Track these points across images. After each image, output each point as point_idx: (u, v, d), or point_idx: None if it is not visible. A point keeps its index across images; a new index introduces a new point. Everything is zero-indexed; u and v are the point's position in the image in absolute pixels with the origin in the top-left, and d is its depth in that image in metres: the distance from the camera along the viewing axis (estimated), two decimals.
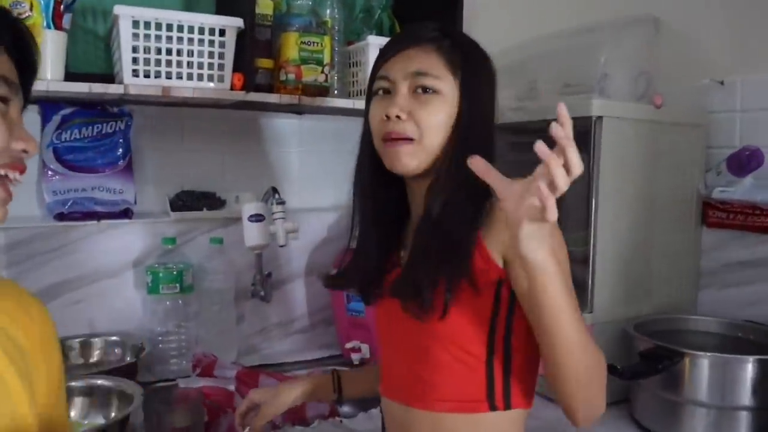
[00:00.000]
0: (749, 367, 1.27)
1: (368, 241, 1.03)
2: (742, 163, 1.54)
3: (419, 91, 0.93)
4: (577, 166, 0.69)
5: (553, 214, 0.70)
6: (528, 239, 0.74)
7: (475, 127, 0.94)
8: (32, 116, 1.64)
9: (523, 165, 1.81)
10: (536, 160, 0.72)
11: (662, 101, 1.55)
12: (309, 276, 1.98)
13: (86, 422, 1.30)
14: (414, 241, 0.96)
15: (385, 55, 0.99)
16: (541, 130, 1.58)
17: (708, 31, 1.68)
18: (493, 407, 0.92)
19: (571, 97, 1.53)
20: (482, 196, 0.91)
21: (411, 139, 0.93)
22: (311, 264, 1.99)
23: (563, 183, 0.69)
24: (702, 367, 1.30)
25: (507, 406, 0.93)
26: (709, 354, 1.30)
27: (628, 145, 1.51)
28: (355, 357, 1.82)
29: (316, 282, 1.98)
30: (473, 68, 0.96)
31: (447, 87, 0.93)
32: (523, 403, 0.95)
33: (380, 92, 0.97)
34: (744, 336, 1.48)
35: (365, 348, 1.82)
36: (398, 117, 0.93)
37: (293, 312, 1.98)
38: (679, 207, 1.64)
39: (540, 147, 0.70)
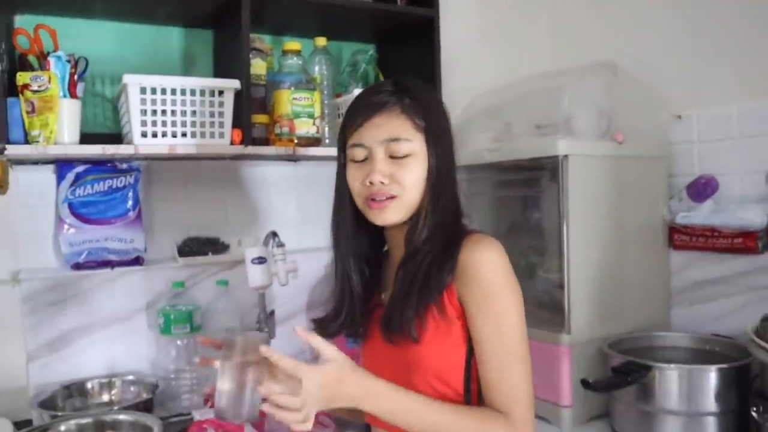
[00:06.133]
0: (712, 376, 1.41)
1: (353, 286, 1.14)
2: (699, 190, 1.69)
3: (395, 155, 1.04)
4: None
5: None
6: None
7: (444, 173, 1.07)
8: (48, 175, 1.80)
9: (507, 200, 1.98)
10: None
11: (624, 138, 1.70)
12: (309, 311, 2.11)
13: None
14: (399, 276, 1.08)
15: (354, 121, 1.07)
16: (515, 167, 1.74)
17: (665, 71, 1.84)
18: None
19: (540, 139, 1.69)
20: (456, 237, 1.05)
21: (394, 197, 1.04)
22: (311, 301, 2.11)
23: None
24: (669, 378, 1.43)
25: None
26: (674, 366, 1.44)
27: (595, 179, 1.66)
28: None
29: None
30: (434, 120, 1.07)
31: (418, 146, 1.04)
32: None
33: (356, 159, 1.07)
34: (711, 348, 1.62)
35: None
36: (381, 183, 1.03)
37: (297, 347, 2.08)
38: (647, 232, 1.79)
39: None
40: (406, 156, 1.04)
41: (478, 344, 1.01)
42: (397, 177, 1.04)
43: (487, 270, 1.01)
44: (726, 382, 1.41)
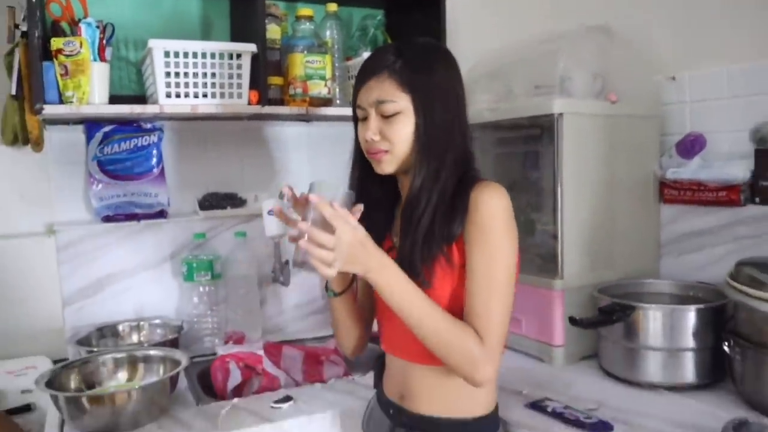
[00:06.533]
0: (690, 316, 1.54)
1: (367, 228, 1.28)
2: (688, 147, 1.79)
3: (384, 114, 1.16)
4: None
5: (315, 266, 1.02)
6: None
7: (432, 130, 1.16)
8: (78, 134, 1.93)
9: (507, 159, 2.10)
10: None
11: (617, 98, 1.80)
12: None
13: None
14: (402, 226, 1.20)
15: (357, 84, 1.21)
16: (514, 126, 1.84)
17: (659, 34, 1.93)
18: None
19: (538, 98, 1.80)
20: (461, 189, 1.15)
21: (386, 151, 1.17)
22: None
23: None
24: (652, 318, 1.56)
25: None
26: (655, 305, 1.57)
27: (589, 136, 1.77)
28: None
29: None
30: (424, 80, 1.16)
31: (404, 104, 1.15)
32: None
33: (360, 118, 1.21)
34: (694, 294, 1.73)
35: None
36: (373, 139, 1.17)
37: (309, 294, 2.24)
38: (639, 187, 1.90)
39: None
40: (394, 114, 1.15)
41: (469, 275, 1.13)
42: (386, 134, 1.16)
43: (490, 212, 1.12)
44: (703, 321, 1.53)
